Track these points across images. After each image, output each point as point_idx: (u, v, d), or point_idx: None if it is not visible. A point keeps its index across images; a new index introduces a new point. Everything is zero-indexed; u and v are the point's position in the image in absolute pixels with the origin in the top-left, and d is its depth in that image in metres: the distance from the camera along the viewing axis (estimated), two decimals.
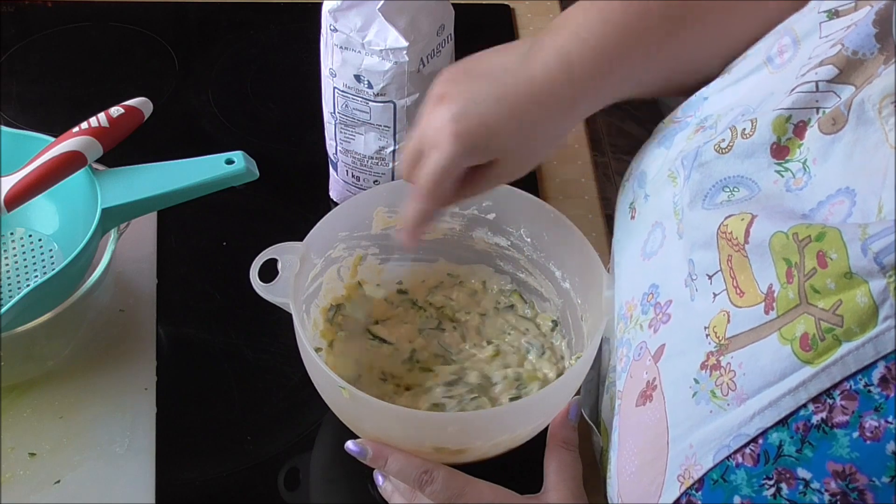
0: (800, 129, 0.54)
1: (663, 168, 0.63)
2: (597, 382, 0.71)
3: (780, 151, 0.54)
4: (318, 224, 0.75)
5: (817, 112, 0.53)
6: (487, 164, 0.64)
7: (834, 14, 0.56)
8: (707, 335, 0.53)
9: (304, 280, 0.75)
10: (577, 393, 0.70)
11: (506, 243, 0.80)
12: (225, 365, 0.83)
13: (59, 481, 0.74)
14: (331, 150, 0.92)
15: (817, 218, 0.50)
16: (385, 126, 0.86)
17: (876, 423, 0.44)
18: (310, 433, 0.79)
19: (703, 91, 0.64)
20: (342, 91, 0.85)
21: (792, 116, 0.54)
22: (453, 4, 0.86)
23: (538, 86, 0.62)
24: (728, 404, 0.50)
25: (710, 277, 0.55)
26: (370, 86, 0.83)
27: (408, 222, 0.66)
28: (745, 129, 0.56)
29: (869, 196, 0.47)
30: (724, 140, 0.57)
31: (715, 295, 0.54)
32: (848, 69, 0.52)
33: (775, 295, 0.49)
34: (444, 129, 0.61)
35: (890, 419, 0.43)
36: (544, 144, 0.64)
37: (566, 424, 0.68)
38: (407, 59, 0.81)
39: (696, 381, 0.53)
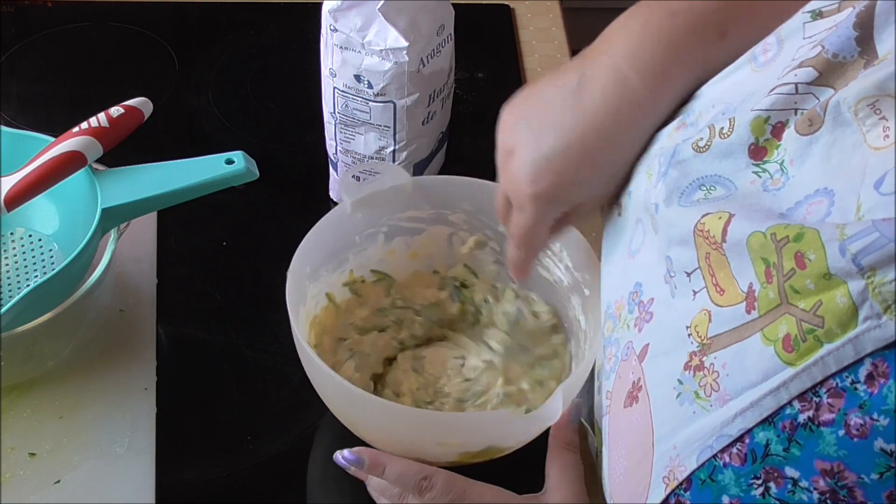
0: (777, 130, 0.53)
1: (643, 163, 0.63)
2: (591, 384, 0.71)
3: (757, 152, 0.54)
4: (434, 175, 0.76)
5: (795, 114, 0.53)
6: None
7: (818, 15, 0.56)
8: (689, 335, 0.53)
9: (393, 206, 0.78)
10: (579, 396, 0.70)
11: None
12: (225, 365, 0.83)
13: (59, 481, 0.74)
14: (331, 150, 0.92)
15: (795, 217, 0.49)
16: (385, 126, 0.86)
17: (861, 421, 0.43)
18: (310, 433, 0.79)
19: None
20: (342, 91, 0.85)
21: (770, 117, 0.54)
22: (453, 4, 0.86)
23: (600, 118, 0.61)
24: (711, 405, 0.50)
25: (688, 275, 0.54)
26: (370, 86, 0.83)
27: (512, 267, 0.70)
28: (722, 129, 0.56)
29: (848, 195, 0.47)
30: (701, 139, 0.57)
31: (695, 293, 0.54)
32: (828, 72, 0.52)
33: (756, 294, 0.49)
34: (523, 191, 0.63)
35: (875, 416, 0.43)
36: (619, 173, 0.64)
37: (568, 426, 0.68)
38: (407, 59, 0.81)
39: (681, 382, 0.53)
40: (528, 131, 0.63)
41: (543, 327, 0.78)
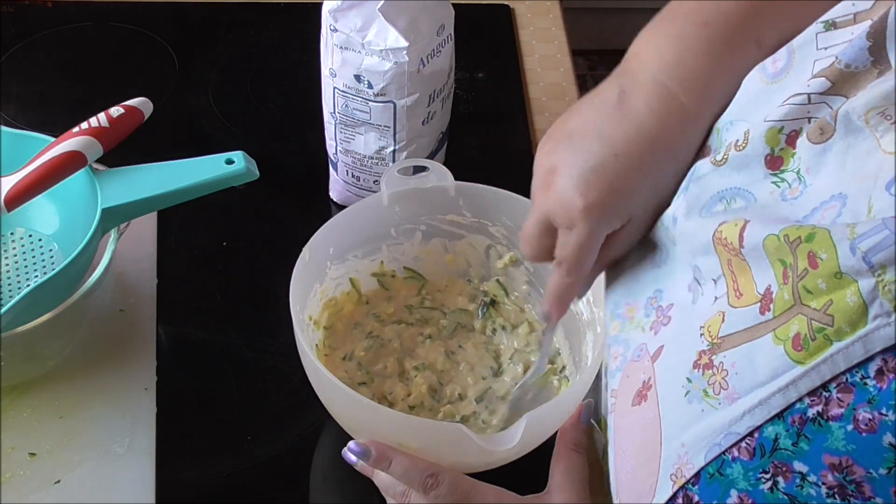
0: (791, 139, 0.54)
1: None
2: (598, 382, 0.71)
3: (774, 162, 0.54)
4: (479, 184, 0.78)
5: (808, 122, 0.53)
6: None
7: (832, 25, 0.56)
8: (701, 334, 0.54)
9: (434, 206, 0.79)
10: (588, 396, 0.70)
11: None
12: (225, 365, 0.83)
13: (59, 481, 0.74)
14: (331, 150, 0.92)
15: (810, 222, 0.50)
16: (385, 126, 0.86)
17: (870, 416, 0.44)
18: (310, 433, 0.79)
19: None
20: (342, 91, 0.85)
21: (784, 127, 0.54)
22: (453, 4, 0.86)
23: (648, 129, 0.59)
24: (720, 403, 0.50)
25: (714, 282, 0.55)
26: (370, 86, 0.83)
27: (555, 298, 0.65)
28: (737, 141, 0.56)
29: (860, 198, 0.48)
30: (718, 152, 0.57)
31: (716, 298, 0.54)
32: (840, 82, 0.52)
33: (773, 296, 0.50)
34: (574, 205, 0.59)
35: (883, 411, 0.43)
36: (668, 191, 0.61)
37: (577, 427, 0.68)
38: (407, 59, 0.81)
39: (689, 381, 0.53)
40: (570, 148, 0.60)
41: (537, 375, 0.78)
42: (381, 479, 0.67)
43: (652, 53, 0.61)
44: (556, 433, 0.68)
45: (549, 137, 0.62)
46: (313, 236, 0.73)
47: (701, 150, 0.62)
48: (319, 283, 0.76)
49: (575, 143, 0.60)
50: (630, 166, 0.59)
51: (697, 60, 0.60)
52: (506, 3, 1.18)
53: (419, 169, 0.77)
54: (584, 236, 0.60)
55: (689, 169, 0.60)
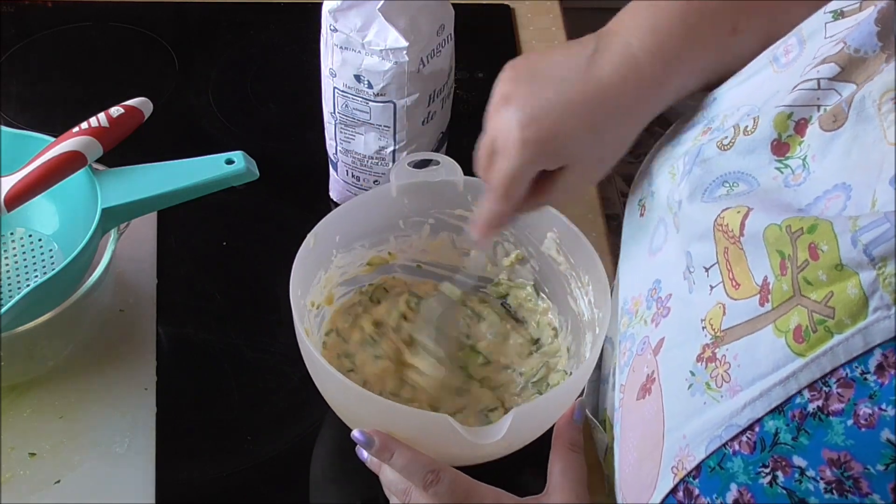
0: (801, 127, 0.54)
1: (666, 165, 0.63)
2: (598, 381, 0.71)
3: (780, 148, 0.55)
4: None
5: (818, 110, 0.53)
6: (558, 170, 0.65)
7: (839, 14, 0.56)
8: (703, 327, 0.54)
9: (442, 200, 0.79)
10: (582, 394, 0.70)
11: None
12: (225, 365, 0.83)
13: (59, 481, 0.74)
14: (331, 150, 0.92)
15: (813, 212, 0.50)
16: (385, 126, 0.86)
17: (870, 411, 0.44)
18: (310, 433, 0.79)
19: (714, 91, 0.65)
20: (342, 91, 0.85)
21: (793, 114, 0.54)
22: (453, 4, 0.86)
23: (606, 89, 0.62)
24: (721, 396, 0.51)
25: (706, 270, 0.55)
26: (370, 86, 0.83)
27: (481, 220, 0.69)
28: (746, 127, 0.56)
29: (864, 190, 0.48)
30: (726, 137, 0.58)
31: (711, 287, 0.54)
32: (850, 67, 0.52)
33: (770, 287, 0.50)
34: (512, 135, 0.63)
35: (884, 406, 0.44)
36: (613, 149, 0.65)
37: (572, 425, 0.68)
38: (407, 59, 0.81)
39: (692, 374, 0.53)
40: (530, 84, 0.64)
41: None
42: (385, 475, 0.67)
43: (631, 19, 0.64)
44: (551, 432, 0.68)
45: (515, 67, 0.66)
46: (319, 223, 0.73)
47: (692, 124, 0.63)
48: (324, 271, 0.76)
49: (536, 83, 0.64)
50: (579, 114, 0.62)
51: (668, 32, 0.62)
52: (506, 3, 1.18)
53: (425, 163, 0.78)
54: (515, 166, 0.64)
55: (636, 130, 0.64)
